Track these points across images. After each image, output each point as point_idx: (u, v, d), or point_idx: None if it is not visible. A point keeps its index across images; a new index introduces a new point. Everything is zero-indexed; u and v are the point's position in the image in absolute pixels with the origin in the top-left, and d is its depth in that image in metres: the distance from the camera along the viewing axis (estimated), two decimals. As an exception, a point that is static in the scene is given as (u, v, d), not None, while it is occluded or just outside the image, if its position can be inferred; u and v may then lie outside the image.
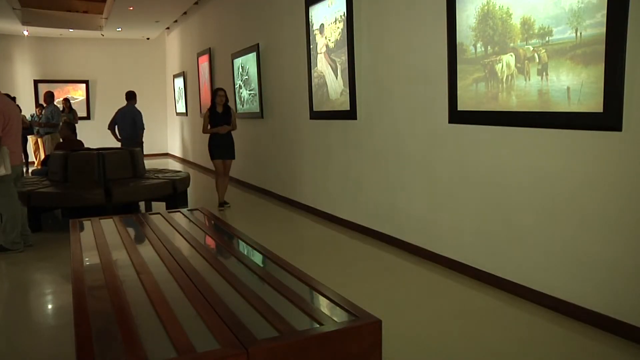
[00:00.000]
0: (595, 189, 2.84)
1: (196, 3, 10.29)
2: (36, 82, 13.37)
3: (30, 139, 11.26)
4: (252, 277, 2.33)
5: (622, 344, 2.68)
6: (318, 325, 1.76)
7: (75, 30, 12.36)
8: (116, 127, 8.13)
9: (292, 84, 6.53)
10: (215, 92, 6.53)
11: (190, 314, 1.87)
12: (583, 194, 2.90)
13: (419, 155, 4.23)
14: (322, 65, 5.59)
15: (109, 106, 13.75)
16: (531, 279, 3.27)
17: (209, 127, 6.48)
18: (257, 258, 2.67)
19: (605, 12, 2.63)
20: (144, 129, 8.27)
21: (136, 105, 8.35)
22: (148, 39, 14.35)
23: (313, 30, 5.72)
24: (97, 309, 1.96)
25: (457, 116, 3.74)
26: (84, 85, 13.88)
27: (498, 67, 3.35)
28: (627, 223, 2.68)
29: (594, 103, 2.74)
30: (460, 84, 3.67)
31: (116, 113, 8.14)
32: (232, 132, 6.65)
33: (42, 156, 10.64)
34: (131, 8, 10.14)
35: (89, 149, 7.08)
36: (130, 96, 8.21)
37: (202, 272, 2.35)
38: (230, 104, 8.96)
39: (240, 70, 8.21)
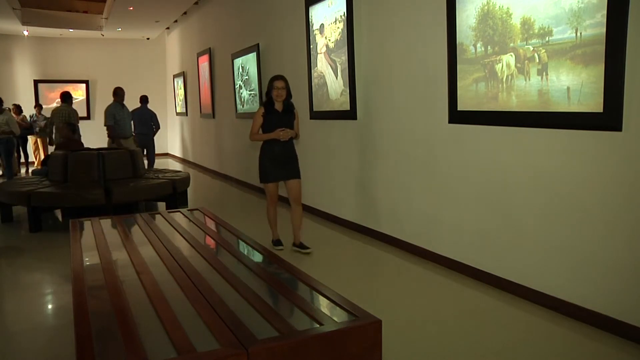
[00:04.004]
0: (595, 189, 2.84)
1: (196, 3, 10.29)
2: (36, 82, 13.37)
3: (30, 139, 11.27)
4: (252, 277, 2.33)
5: (622, 344, 2.68)
6: (318, 325, 1.76)
7: (75, 30, 12.37)
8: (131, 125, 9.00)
9: (292, 84, 6.50)
10: (271, 82, 4.41)
11: (190, 314, 1.87)
12: (583, 194, 2.90)
13: (419, 155, 4.23)
14: (322, 65, 5.59)
15: (109, 106, 13.80)
16: (531, 279, 3.27)
17: (260, 131, 4.43)
18: (257, 258, 2.68)
19: (605, 12, 2.63)
20: (159, 127, 9.31)
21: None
22: (148, 39, 14.35)
23: (313, 30, 5.72)
24: (97, 309, 1.96)
25: (457, 116, 3.75)
26: (84, 85, 13.89)
27: (498, 67, 3.35)
28: (627, 223, 2.68)
29: (594, 103, 2.74)
30: (460, 84, 3.67)
31: (132, 112, 8.88)
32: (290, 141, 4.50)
33: (42, 156, 10.66)
34: (131, 8, 10.14)
35: (89, 149, 7.09)
36: (144, 99, 9.27)
37: (202, 272, 2.35)
38: (230, 103, 9.03)
39: (240, 70, 8.21)
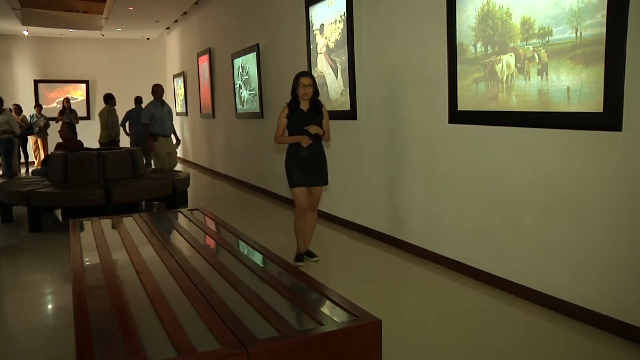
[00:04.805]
0: (595, 189, 2.84)
1: (196, 3, 10.29)
2: (36, 82, 13.37)
3: (30, 139, 11.27)
4: (252, 277, 2.34)
5: (622, 344, 2.68)
6: (318, 325, 1.76)
7: (75, 30, 12.37)
8: (127, 124, 9.14)
9: (292, 84, 6.52)
10: (296, 78, 3.99)
11: (190, 314, 1.87)
12: (583, 194, 2.90)
13: (419, 155, 4.23)
14: (322, 65, 5.59)
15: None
16: (531, 279, 3.27)
17: (285, 133, 4.07)
18: (257, 258, 2.68)
19: (605, 12, 2.63)
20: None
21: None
22: (148, 39, 14.35)
23: (313, 30, 5.72)
24: (97, 309, 1.96)
25: (457, 116, 3.75)
26: (84, 85, 13.89)
27: (498, 67, 3.35)
28: (627, 223, 2.68)
29: (594, 103, 2.74)
30: (460, 84, 3.67)
31: (128, 113, 9.10)
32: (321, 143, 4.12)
33: (42, 156, 10.67)
34: (131, 8, 10.14)
35: (89, 149, 7.09)
36: (139, 100, 9.28)
37: (202, 272, 2.35)
38: (230, 103, 9.04)
39: (240, 70, 8.22)
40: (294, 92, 4.01)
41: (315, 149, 4.01)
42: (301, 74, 3.98)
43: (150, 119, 7.09)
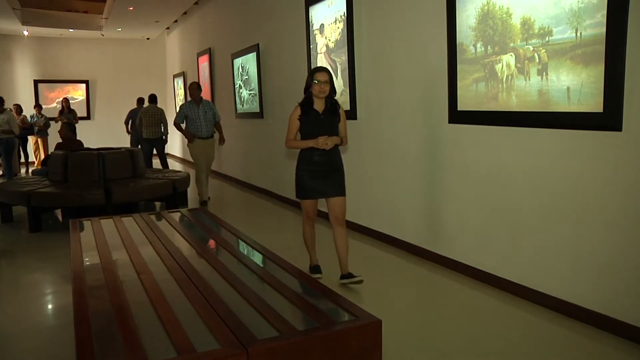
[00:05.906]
0: (594, 189, 2.84)
1: (196, 3, 10.30)
2: (36, 82, 13.37)
3: (30, 139, 11.28)
4: (252, 277, 2.34)
5: (622, 344, 2.68)
6: (318, 325, 1.76)
7: (75, 30, 12.37)
8: (129, 123, 9.65)
9: (292, 84, 6.53)
10: (311, 74, 3.56)
11: (190, 314, 1.87)
12: (583, 194, 2.90)
13: (419, 155, 4.23)
14: (322, 65, 5.58)
15: (109, 106, 13.81)
16: (531, 279, 3.27)
17: (298, 137, 3.64)
18: (257, 258, 2.68)
19: (605, 12, 2.63)
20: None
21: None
22: (148, 39, 14.36)
23: (313, 30, 5.72)
24: (97, 309, 1.96)
25: (457, 116, 3.75)
26: (84, 85, 13.89)
27: (498, 67, 3.35)
28: (627, 223, 2.68)
29: (594, 103, 2.75)
30: (460, 84, 3.67)
31: (130, 113, 9.54)
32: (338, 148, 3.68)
33: (42, 156, 10.67)
34: (131, 8, 10.14)
35: (89, 149, 7.09)
36: (141, 101, 9.78)
37: (202, 272, 2.35)
38: (230, 103, 9.04)
39: (240, 70, 8.22)
40: (307, 90, 3.57)
41: (332, 156, 3.56)
42: (317, 69, 3.56)
43: (183, 119, 6.76)
